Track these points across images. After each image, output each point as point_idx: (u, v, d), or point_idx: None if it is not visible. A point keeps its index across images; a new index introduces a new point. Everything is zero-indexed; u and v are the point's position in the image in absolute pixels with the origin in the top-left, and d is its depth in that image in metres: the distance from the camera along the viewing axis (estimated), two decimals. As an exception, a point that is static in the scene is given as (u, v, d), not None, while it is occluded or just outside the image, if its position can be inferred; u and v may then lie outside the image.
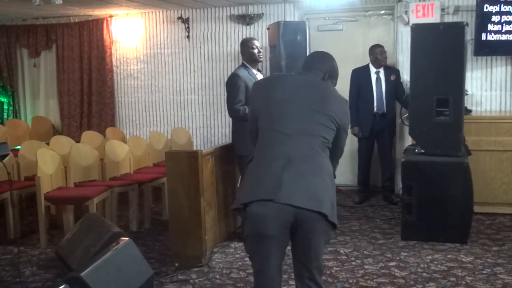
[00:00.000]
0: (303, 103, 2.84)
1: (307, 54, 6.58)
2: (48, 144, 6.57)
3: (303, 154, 2.75)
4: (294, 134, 2.78)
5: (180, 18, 7.90)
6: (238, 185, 4.84)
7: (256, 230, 2.71)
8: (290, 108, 2.83)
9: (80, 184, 5.83)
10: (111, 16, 8.18)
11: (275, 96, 2.89)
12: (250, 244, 2.81)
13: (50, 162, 5.53)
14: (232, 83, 5.07)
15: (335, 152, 2.97)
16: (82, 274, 3.53)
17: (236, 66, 7.35)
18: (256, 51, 5.17)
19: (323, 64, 3.08)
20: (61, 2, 6.00)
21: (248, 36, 7.36)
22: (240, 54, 5.38)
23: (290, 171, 2.68)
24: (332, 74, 3.08)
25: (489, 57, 6.69)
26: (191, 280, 4.42)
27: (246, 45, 5.22)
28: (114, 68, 8.35)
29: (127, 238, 4.13)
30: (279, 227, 2.68)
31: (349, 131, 6.13)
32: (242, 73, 5.11)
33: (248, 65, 5.22)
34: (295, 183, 2.67)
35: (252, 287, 2.98)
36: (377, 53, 6.57)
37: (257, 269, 2.83)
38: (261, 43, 5.71)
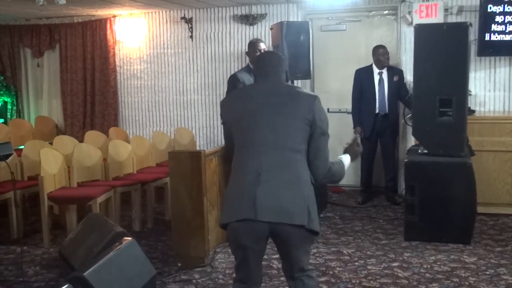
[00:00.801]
0: (272, 113, 2.80)
1: (310, 54, 6.60)
2: (51, 144, 6.58)
3: (275, 167, 2.74)
4: (265, 147, 2.76)
5: (183, 18, 7.90)
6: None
7: (233, 240, 2.86)
8: (259, 121, 2.79)
9: (83, 184, 5.84)
10: (114, 16, 8.19)
11: (243, 111, 2.88)
12: (231, 250, 2.98)
13: (53, 162, 5.54)
14: (231, 85, 5.08)
15: (317, 156, 2.84)
16: (85, 273, 3.53)
17: (239, 67, 7.38)
18: (259, 54, 5.14)
19: (280, 65, 3.02)
20: (65, 2, 6.01)
21: (252, 37, 7.37)
22: (246, 55, 5.37)
23: (262, 186, 2.71)
24: (286, 69, 3.06)
25: (492, 58, 6.68)
26: (194, 280, 4.42)
27: (252, 47, 5.24)
28: (117, 68, 8.36)
29: (130, 238, 4.13)
30: (254, 239, 2.79)
31: (352, 130, 6.10)
32: (243, 75, 5.11)
33: (252, 68, 5.22)
34: (267, 198, 2.70)
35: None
36: (379, 54, 6.56)
37: (237, 267, 2.96)
38: (265, 44, 5.71)
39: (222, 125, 3.18)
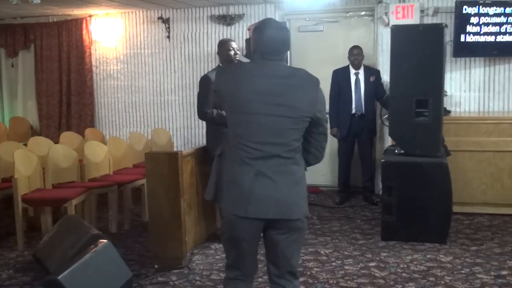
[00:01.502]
0: (271, 112, 2.68)
1: (288, 55, 6.59)
2: (26, 145, 6.49)
3: (271, 165, 2.71)
4: (263, 146, 2.71)
5: (160, 18, 7.86)
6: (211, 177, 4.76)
7: (230, 233, 2.82)
8: (259, 119, 2.69)
9: (58, 186, 5.77)
10: (90, 16, 8.11)
11: (242, 98, 2.71)
12: (225, 241, 2.93)
13: (27, 164, 5.46)
14: (202, 85, 5.00)
15: (319, 139, 2.85)
16: (59, 277, 3.50)
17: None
18: (232, 52, 5.02)
19: (286, 45, 2.84)
20: (39, 1, 5.93)
21: (228, 36, 7.36)
22: (217, 55, 5.29)
23: (259, 185, 2.69)
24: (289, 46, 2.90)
25: (468, 58, 6.76)
26: (171, 282, 4.39)
27: (223, 46, 5.12)
28: (94, 69, 8.28)
29: (105, 240, 4.10)
30: (251, 232, 2.79)
31: (328, 131, 6.15)
32: (214, 75, 5.06)
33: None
34: (263, 195, 2.70)
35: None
36: (351, 55, 6.63)
37: (229, 263, 2.93)
38: (240, 44, 5.66)
39: (213, 92, 2.96)
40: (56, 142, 6.72)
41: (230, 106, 2.80)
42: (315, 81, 2.80)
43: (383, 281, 4.29)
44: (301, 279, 4.31)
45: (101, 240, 4.11)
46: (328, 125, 6.52)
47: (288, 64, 6.70)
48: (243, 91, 2.72)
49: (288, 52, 6.58)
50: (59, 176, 5.82)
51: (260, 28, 2.82)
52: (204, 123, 5.40)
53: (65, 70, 8.29)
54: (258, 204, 2.69)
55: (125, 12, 8.02)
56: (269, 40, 2.75)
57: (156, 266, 4.69)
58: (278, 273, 2.87)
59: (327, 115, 2.88)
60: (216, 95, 2.99)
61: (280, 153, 2.71)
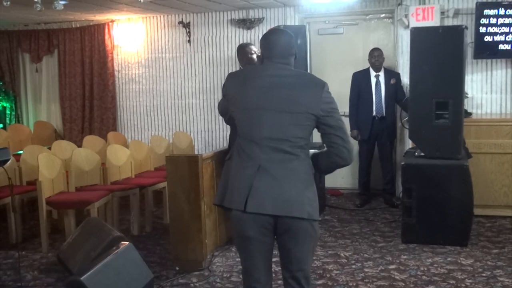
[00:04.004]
0: (276, 105, 2.73)
1: (308, 57, 6.61)
2: (50, 148, 6.59)
3: (274, 161, 2.73)
4: (265, 141, 2.73)
5: (181, 22, 7.93)
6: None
7: (238, 231, 2.83)
8: (261, 114, 2.74)
9: (82, 189, 5.86)
10: (112, 21, 8.22)
11: (248, 98, 2.79)
12: (236, 244, 2.96)
13: (51, 167, 5.56)
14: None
15: (337, 138, 2.78)
16: (82, 278, 3.56)
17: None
18: (254, 56, 5.07)
19: (290, 46, 2.88)
20: (62, 7, 6.03)
21: (248, 40, 7.40)
22: (238, 60, 5.28)
23: (260, 180, 2.71)
24: (295, 51, 2.91)
25: (489, 60, 6.71)
26: (192, 284, 4.44)
27: (243, 50, 5.13)
28: (116, 73, 8.38)
29: (127, 242, 4.16)
30: (258, 229, 2.76)
31: (349, 133, 6.16)
32: None
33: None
34: (264, 190, 2.71)
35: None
36: (372, 57, 6.62)
37: (243, 269, 2.94)
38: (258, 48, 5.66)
39: (223, 97, 3.05)
40: (79, 145, 6.82)
41: (235, 105, 2.86)
42: (321, 83, 2.82)
43: (403, 284, 4.28)
44: (320, 282, 4.35)
45: (122, 242, 4.17)
46: (348, 127, 6.66)
47: (308, 67, 6.78)
48: (248, 90, 2.80)
49: (308, 54, 6.63)
50: (82, 179, 5.91)
51: (265, 35, 2.96)
52: (225, 126, 5.44)
53: (87, 74, 8.41)
54: (258, 199, 2.70)
55: (146, 17, 8.11)
56: (273, 44, 2.87)
57: (177, 268, 4.74)
58: (289, 275, 2.85)
59: (346, 118, 2.85)
60: (225, 99, 3.03)
61: (283, 149, 2.73)
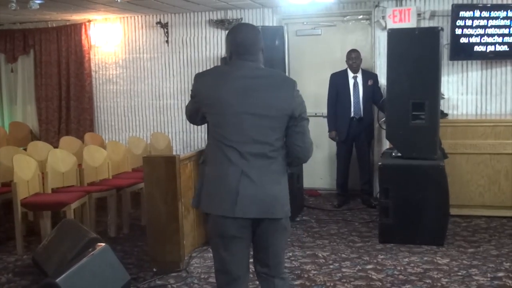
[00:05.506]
0: (251, 111, 2.74)
1: (286, 58, 6.62)
2: (25, 149, 6.51)
3: (254, 165, 2.76)
4: (246, 146, 2.75)
5: (159, 23, 7.89)
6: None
7: (218, 232, 2.85)
8: (241, 119, 2.74)
9: (58, 190, 5.79)
10: (89, 21, 8.14)
11: (221, 99, 2.77)
12: (213, 243, 2.94)
13: (27, 168, 5.49)
14: None
15: (303, 139, 2.84)
16: (57, 280, 3.52)
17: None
18: None
19: (258, 42, 2.87)
20: (38, 6, 5.97)
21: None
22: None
23: (244, 186, 2.74)
24: (262, 46, 2.90)
25: (464, 62, 6.79)
26: (169, 285, 4.41)
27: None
28: (93, 73, 8.31)
29: (103, 244, 4.13)
30: (239, 229, 2.81)
31: (327, 134, 6.14)
32: None
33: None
34: (249, 196, 2.74)
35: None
36: (350, 58, 6.66)
37: (220, 268, 2.94)
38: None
39: (190, 98, 3.01)
40: (56, 146, 6.75)
41: (211, 108, 2.84)
42: (291, 82, 2.87)
43: (380, 284, 4.31)
44: (298, 282, 4.36)
45: (99, 244, 4.14)
46: (326, 129, 6.69)
47: (286, 68, 6.80)
48: (223, 93, 2.78)
49: (286, 55, 6.64)
50: (58, 180, 5.84)
51: (232, 30, 2.94)
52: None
53: (64, 75, 8.31)
54: (244, 205, 2.74)
55: (123, 17, 8.06)
56: (240, 40, 2.85)
57: (154, 270, 4.71)
58: (268, 271, 2.93)
59: (309, 118, 2.87)
60: (194, 100, 2.95)
61: (264, 153, 2.77)
